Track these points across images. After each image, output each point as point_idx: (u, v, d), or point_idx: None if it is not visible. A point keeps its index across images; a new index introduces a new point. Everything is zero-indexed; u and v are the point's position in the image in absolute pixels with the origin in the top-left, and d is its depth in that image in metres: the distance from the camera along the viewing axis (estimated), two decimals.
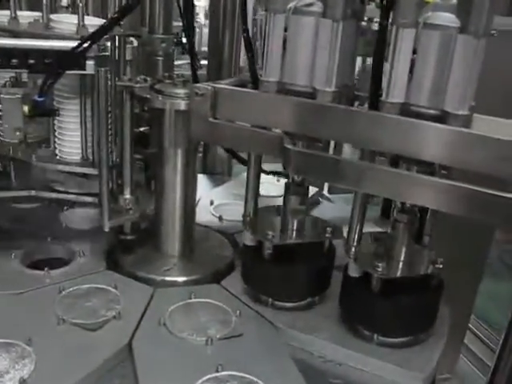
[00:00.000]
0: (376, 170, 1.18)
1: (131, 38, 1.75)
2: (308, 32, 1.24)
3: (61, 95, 1.60)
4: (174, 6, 1.83)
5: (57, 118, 1.65)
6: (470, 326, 2.84)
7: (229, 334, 1.36)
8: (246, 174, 2.24)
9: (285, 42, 1.27)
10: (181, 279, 1.59)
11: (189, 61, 1.73)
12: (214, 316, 1.42)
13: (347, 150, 1.34)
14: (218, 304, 1.46)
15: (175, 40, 1.85)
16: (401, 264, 1.35)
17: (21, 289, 1.48)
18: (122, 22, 1.52)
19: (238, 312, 1.42)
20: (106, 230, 1.58)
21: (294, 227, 1.46)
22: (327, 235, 1.46)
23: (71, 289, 1.48)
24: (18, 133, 1.38)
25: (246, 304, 1.48)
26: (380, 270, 1.29)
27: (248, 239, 1.47)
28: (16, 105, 1.36)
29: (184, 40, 1.87)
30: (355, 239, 1.35)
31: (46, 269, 1.56)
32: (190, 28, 1.63)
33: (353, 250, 1.35)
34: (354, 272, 1.34)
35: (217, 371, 1.22)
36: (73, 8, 1.92)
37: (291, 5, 1.24)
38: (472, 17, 1.07)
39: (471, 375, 2.85)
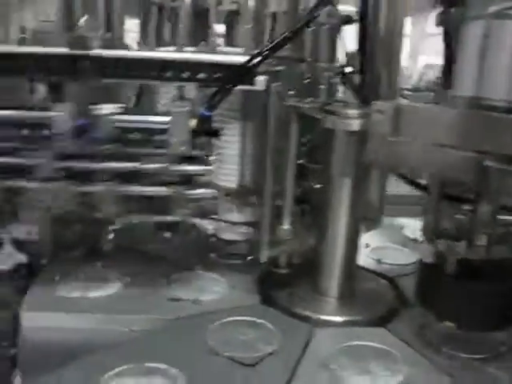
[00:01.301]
0: None
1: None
2: None
3: (222, 118, 1.54)
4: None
5: (215, 141, 1.59)
6: None
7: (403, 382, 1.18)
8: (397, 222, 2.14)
9: (481, 51, 1.13)
10: (340, 319, 1.43)
11: None
12: (382, 362, 1.24)
13: None
14: (386, 349, 1.29)
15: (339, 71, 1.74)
16: None
17: (171, 315, 1.41)
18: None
19: (408, 359, 1.24)
20: (264, 260, 1.46)
21: (483, 240, 1.25)
22: None
23: (224, 320, 1.37)
24: (183, 147, 1.32)
25: (418, 351, 1.30)
26: None
27: (427, 254, 1.30)
28: (184, 118, 1.30)
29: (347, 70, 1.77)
30: None
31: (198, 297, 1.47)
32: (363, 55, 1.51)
33: None
34: None
35: None
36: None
37: (493, 9, 1.10)
38: None
39: None
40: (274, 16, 1.79)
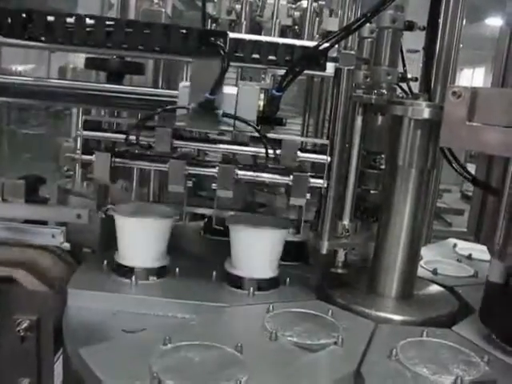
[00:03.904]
0: None
1: None
2: None
3: (284, 112, 1.52)
4: None
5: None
6: None
7: (480, 378, 1.09)
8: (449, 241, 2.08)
9: None
10: (399, 318, 1.37)
11: None
12: (456, 358, 1.17)
13: None
14: (458, 347, 1.21)
15: (400, 75, 1.73)
16: None
17: (227, 303, 1.37)
18: None
19: (485, 358, 1.16)
20: (324, 252, 1.42)
21: None
22: None
23: (281, 310, 1.32)
24: (250, 128, 1.29)
25: (491, 352, 1.22)
26: None
27: (496, 273, 1.23)
28: (254, 96, 1.28)
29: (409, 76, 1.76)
30: None
31: (251, 289, 1.42)
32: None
33: None
34: None
35: None
36: None
37: None
38: None
39: None
40: (327, 35, 1.80)
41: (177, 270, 1.50)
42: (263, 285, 1.44)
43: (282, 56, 1.32)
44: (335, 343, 1.18)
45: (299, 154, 1.40)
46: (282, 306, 1.33)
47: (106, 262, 1.48)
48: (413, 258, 1.44)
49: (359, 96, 1.42)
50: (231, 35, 1.31)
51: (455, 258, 1.88)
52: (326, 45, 1.31)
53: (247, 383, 1.01)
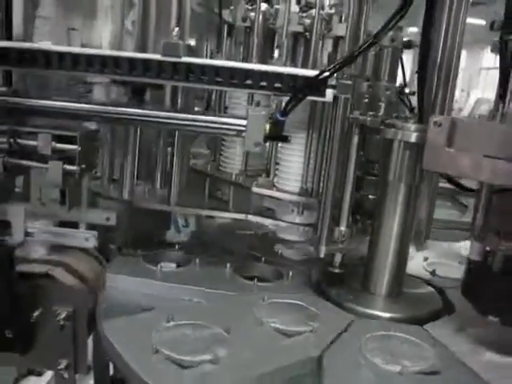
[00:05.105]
0: None
1: None
2: None
3: (290, 127, 1.69)
4: None
5: (281, 148, 1.75)
6: None
7: (424, 369, 1.28)
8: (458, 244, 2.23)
9: None
10: (383, 315, 1.56)
11: None
12: (411, 351, 1.36)
13: None
14: (416, 341, 1.40)
15: (398, 89, 1.89)
16: None
17: (233, 291, 1.62)
18: None
19: (437, 352, 1.34)
20: (322, 255, 1.61)
21: None
22: None
23: (273, 300, 1.52)
24: (257, 148, 1.47)
25: (447, 347, 1.40)
26: None
27: (475, 252, 1.42)
28: (261, 121, 1.45)
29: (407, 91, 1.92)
30: None
31: (255, 280, 1.66)
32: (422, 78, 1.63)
33: None
34: None
35: None
36: None
37: None
38: None
39: None
40: (337, 40, 1.95)
41: (197, 260, 1.75)
42: None
43: (286, 84, 1.49)
44: (311, 331, 1.39)
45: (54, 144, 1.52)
46: (276, 297, 1.54)
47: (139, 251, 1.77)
48: (401, 260, 1.63)
49: (356, 118, 1.58)
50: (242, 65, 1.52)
51: (458, 260, 1.99)
52: (326, 74, 1.48)
53: (224, 357, 1.24)
